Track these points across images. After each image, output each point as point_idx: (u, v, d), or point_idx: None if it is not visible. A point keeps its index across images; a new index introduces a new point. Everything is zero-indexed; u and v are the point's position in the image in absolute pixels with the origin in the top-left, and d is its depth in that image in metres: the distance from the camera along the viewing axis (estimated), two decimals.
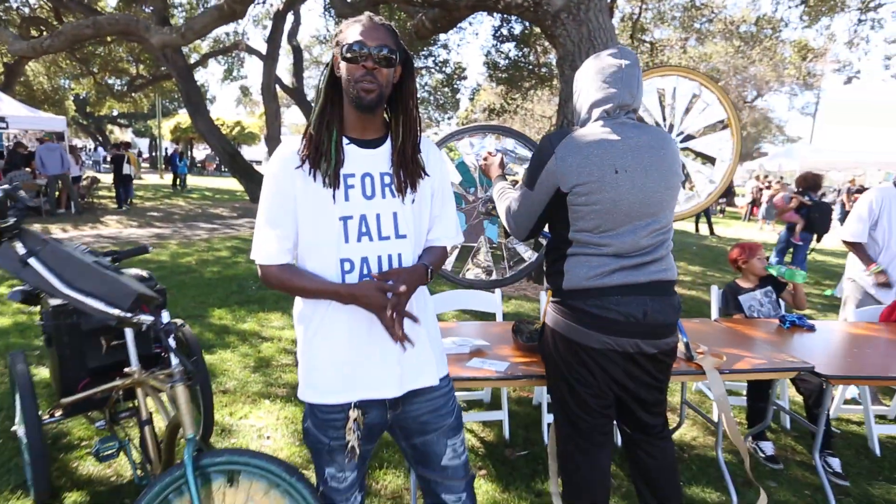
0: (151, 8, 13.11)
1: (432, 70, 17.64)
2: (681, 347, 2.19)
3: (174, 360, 1.59)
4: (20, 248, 1.43)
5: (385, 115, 1.36)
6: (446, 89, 20.21)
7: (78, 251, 1.60)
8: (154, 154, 34.38)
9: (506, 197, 1.85)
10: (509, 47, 13.75)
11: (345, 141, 1.31)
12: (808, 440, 2.93)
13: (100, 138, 33.25)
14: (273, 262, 1.31)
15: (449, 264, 2.45)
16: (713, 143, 2.33)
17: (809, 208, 6.61)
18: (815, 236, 6.89)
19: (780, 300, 3.16)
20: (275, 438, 2.83)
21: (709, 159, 2.38)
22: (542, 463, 2.64)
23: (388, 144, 1.35)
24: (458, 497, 1.48)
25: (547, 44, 11.18)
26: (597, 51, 5.93)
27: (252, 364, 3.80)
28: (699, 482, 2.52)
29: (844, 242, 3.42)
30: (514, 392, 3.47)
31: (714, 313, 3.21)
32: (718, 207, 19.58)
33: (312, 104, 1.34)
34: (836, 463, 2.63)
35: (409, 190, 1.33)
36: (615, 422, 1.81)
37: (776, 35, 13.14)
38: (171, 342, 1.59)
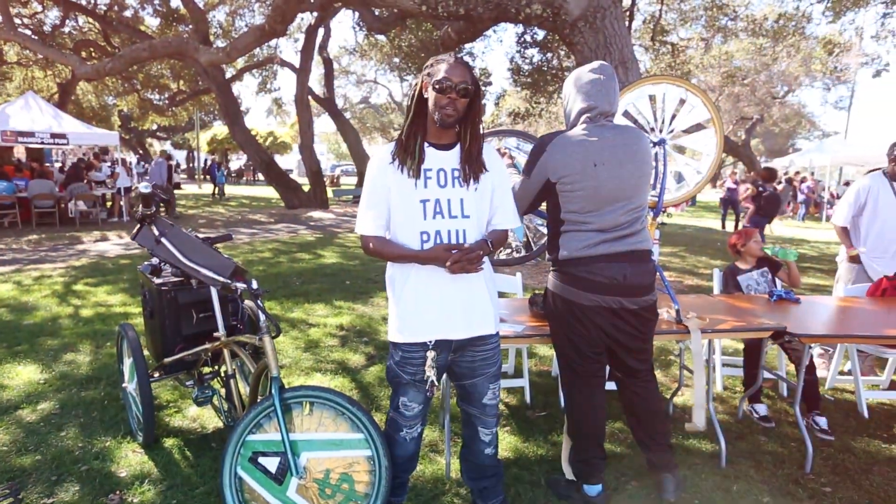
0: (191, 27, 14.01)
1: None
2: (672, 314, 2.58)
3: (261, 317, 2.08)
4: (155, 231, 1.95)
5: (456, 126, 1.82)
6: None
7: (191, 234, 2.11)
8: (191, 165, 35.90)
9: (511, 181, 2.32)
10: (533, 53, 14.17)
11: (426, 144, 1.80)
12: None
13: (140, 151, 34.95)
14: (371, 233, 1.82)
15: None
16: (700, 139, 2.71)
17: (761, 196, 8.06)
18: (768, 219, 8.72)
19: (777, 279, 3.50)
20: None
21: (696, 153, 2.77)
22: (559, 422, 3.05)
23: (458, 147, 1.83)
24: (490, 431, 1.98)
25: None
26: (613, 57, 6.40)
27: (302, 345, 4.31)
28: (697, 436, 2.89)
29: (834, 226, 3.75)
30: (534, 366, 3.89)
31: (716, 292, 3.57)
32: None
33: (403, 115, 1.87)
34: (822, 421, 2.96)
35: (472, 181, 1.81)
36: (608, 368, 2.23)
37: (800, 30, 13.19)
38: (261, 302, 2.08)
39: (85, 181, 12.32)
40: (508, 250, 2.86)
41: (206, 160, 28.43)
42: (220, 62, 8.15)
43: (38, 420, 3.02)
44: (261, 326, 2.13)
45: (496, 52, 51.96)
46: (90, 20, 16.59)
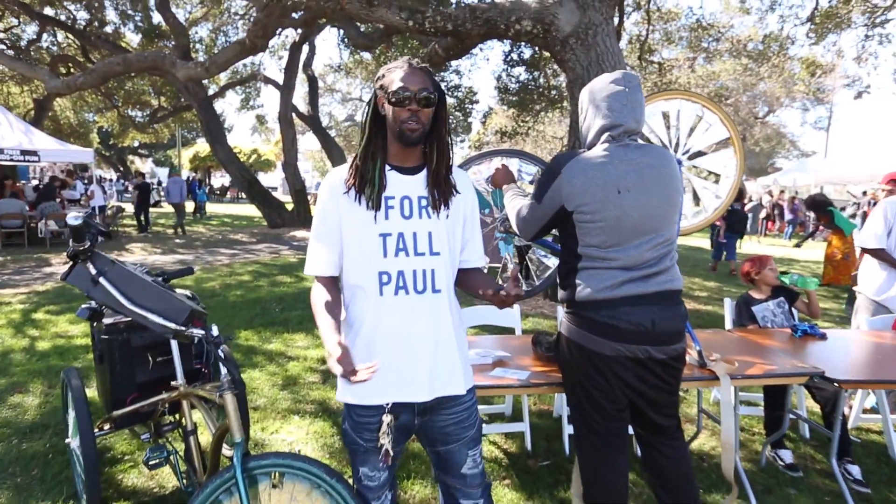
0: (173, 43, 13.69)
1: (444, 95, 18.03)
2: (694, 355, 2.30)
3: (223, 370, 1.75)
4: (92, 269, 1.61)
5: (422, 143, 1.52)
6: (458, 113, 20.59)
7: (138, 271, 1.77)
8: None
9: (517, 199, 2.02)
10: (520, 71, 14.06)
11: (387, 168, 1.49)
12: (827, 448, 2.98)
13: (121, 169, 34.25)
14: (321, 273, 1.50)
15: None
16: (718, 160, 2.46)
17: (730, 214, 8.35)
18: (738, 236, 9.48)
19: (794, 309, 3.24)
20: (306, 452, 2.96)
21: (714, 176, 2.51)
22: (564, 472, 2.72)
23: (425, 171, 1.52)
24: (474, 503, 1.61)
25: (556, 67, 11.45)
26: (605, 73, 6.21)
27: (280, 382, 3.94)
28: (719, 490, 2.59)
29: (866, 250, 3.50)
30: (534, 405, 3.57)
31: (728, 325, 3.30)
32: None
33: (360, 136, 1.52)
34: (855, 470, 2.68)
35: (443, 207, 1.50)
36: (631, 426, 1.92)
37: (784, 52, 13.29)
38: (221, 353, 1.74)
39: (58, 200, 11.83)
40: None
41: (187, 177, 27.90)
42: (199, 77, 7.85)
43: None
44: (222, 381, 1.79)
45: (483, 70, 52.19)
46: (69, 35, 16.18)
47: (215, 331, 1.78)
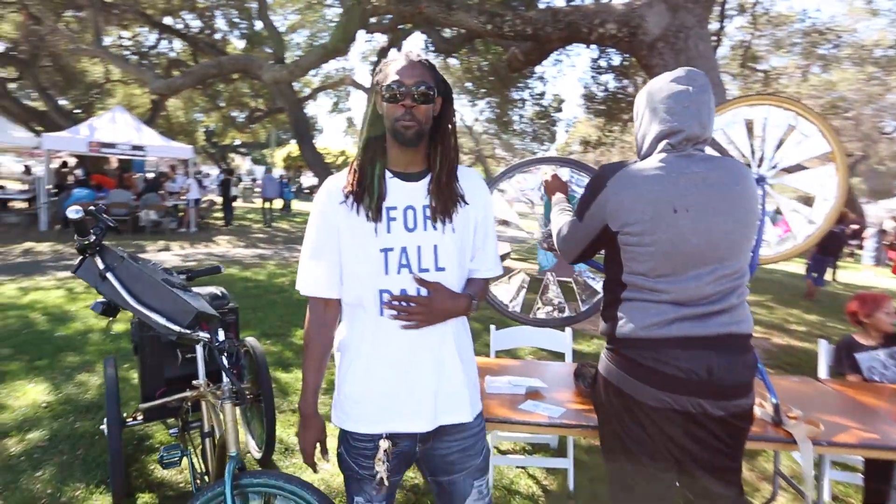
0: (271, 49, 14.50)
1: (528, 102, 17.72)
2: (768, 409, 1.93)
3: (225, 379, 1.66)
4: (100, 264, 1.58)
5: (419, 142, 1.35)
6: (543, 121, 20.19)
7: (149, 268, 1.74)
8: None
9: (562, 215, 1.79)
10: (608, 79, 13.48)
11: (388, 175, 1.34)
12: None
13: (223, 165, 36.95)
14: (317, 294, 1.36)
15: (518, 304, 2.38)
16: (813, 179, 2.07)
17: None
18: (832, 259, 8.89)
19: None
20: (333, 461, 2.85)
21: (808, 197, 2.12)
22: None
23: (429, 176, 1.35)
24: None
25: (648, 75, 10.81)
26: None
27: (324, 385, 3.89)
28: None
29: None
30: (584, 439, 3.25)
31: (823, 372, 2.81)
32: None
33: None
34: None
35: (445, 219, 1.32)
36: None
37: None
38: (224, 360, 1.66)
39: (160, 192, 12.86)
40: (549, 308, 2.31)
41: (279, 176, 29.59)
42: (284, 80, 8.18)
43: (20, 454, 2.75)
44: (223, 389, 1.71)
45: (569, 77, 50.89)
46: (184, 42, 17.67)
47: (221, 335, 1.70)
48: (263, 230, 14.54)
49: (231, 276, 7.80)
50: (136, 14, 13.73)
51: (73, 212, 1.45)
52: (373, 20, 10.38)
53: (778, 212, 2.15)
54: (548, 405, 1.98)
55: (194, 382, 2.14)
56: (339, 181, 1.36)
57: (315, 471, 1.37)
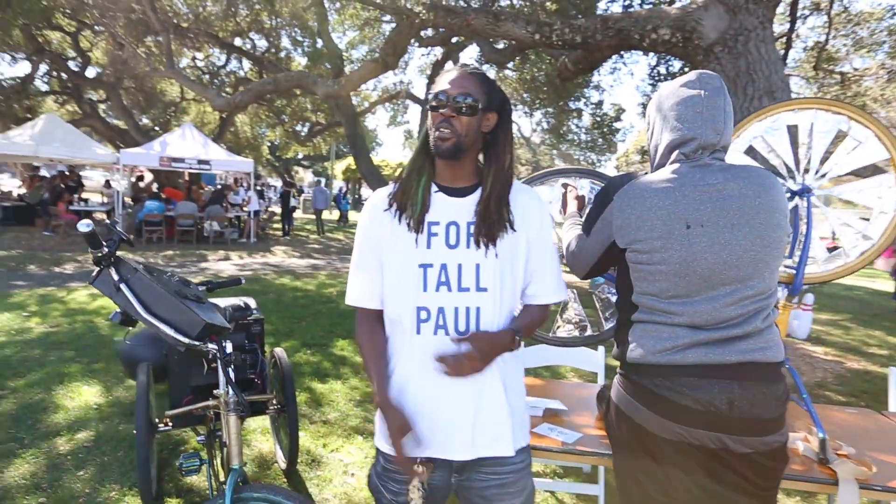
0: (329, 66, 15.04)
1: (584, 112, 17.39)
2: (813, 445, 1.74)
3: (228, 390, 1.68)
4: (115, 276, 1.64)
5: (460, 156, 1.30)
6: (599, 131, 19.74)
7: (163, 280, 1.79)
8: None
9: (571, 231, 1.70)
10: None
11: (434, 188, 1.31)
12: None
13: (287, 178, 38.58)
14: (362, 305, 1.35)
15: None
16: (868, 190, 1.86)
17: None
18: None
19: None
20: (358, 477, 2.85)
21: (862, 210, 1.91)
22: None
23: (478, 193, 1.31)
24: None
25: None
26: (757, 86, 5.36)
27: (357, 398, 3.92)
28: None
29: None
30: None
31: (894, 404, 2.52)
32: None
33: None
34: None
35: (487, 242, 1.27)
36: None
37: None
38: (231, 372, 1.68)
39: (223, 204, 13.55)
40: (570, 326, 2.20)
41: (339, 188, 30.53)
42: (336, 95, 8.43)
43: (67, 453, 2.92)
44: (227, 401, 1.73)
45: (627, 85, 49.53)
46: (251, 62, 18.67)
47: (229, 347, 1.73)
48: (319, 241, 14.99)
49: (283, 285, 8.06)
50: (207, 36, 14.65)
51: (84, 225, 1.52)
52: (426, 33, 10.55)
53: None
54: (564, 429, 1.87)
55: (215, 392, 2.19)
56: (385, 191, 1.36)
57: (409, 473, 1.25)
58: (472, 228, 1.28)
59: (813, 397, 2.20)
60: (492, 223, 1.27)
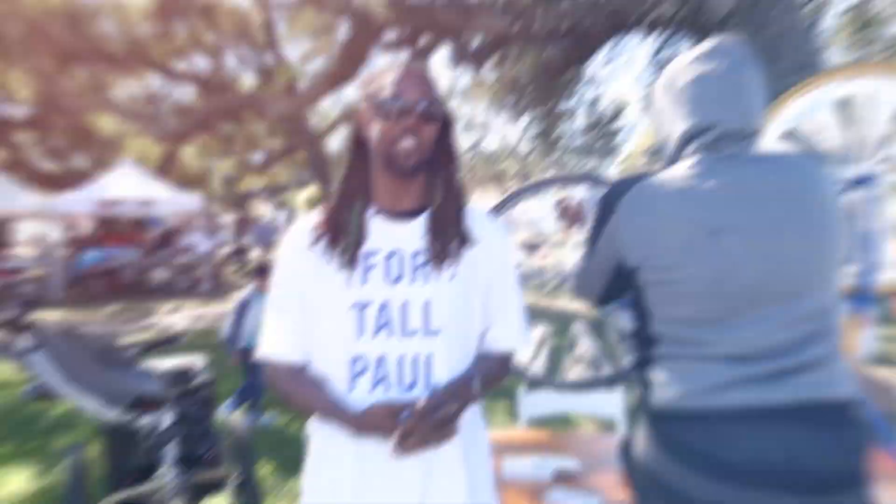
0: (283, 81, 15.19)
1: (579, 111, 17.54)
2: None
3: (164, 476, 1.58)
4: (27, 342, 1.56)
5: (417, 173, 1.24)
6: (597, 132, 19.93)
7: (87, 344, 1.70)
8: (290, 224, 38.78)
9: (578, 252, 1.63)
10: None
11: (370, 212, 1.24)
12: None
13: (240, 213, 38.49)
14: (280, 357, 1.25)
15: (540, 364, 2.21)
16: None
17: None
18: None
19: None
20: None
21: None
22: None
23: (425, 216, 1.24)
24: None
25: None
26: (782, 62, 5.33)
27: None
28: None
29: None
30: None
31: None
32: None
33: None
34: None
35: (445, 264, 1.20)
36: None
37: None
38: (168, 452, 1.58)
39: (169, 248, 13.41)
40: (581, 366, 2.12)
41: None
42: (290, 113, 8.45)
43: None
44: (165, 484, 1.62)
45: (625, 77, 50.09)
46: (193, 85, 18.78)
47: (167, 420, 1.63)
48: None
49: None
50: (140, 61, 14.69)
51: None
52: (389, 38, 10.66)
53: None
54: (580, 495, 1.77)
55: (154, 476, 2.07)
56: (308, 223, 1.27)
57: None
58: (421, 258, 1.20)
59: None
60: (444, 251, 1.20)
